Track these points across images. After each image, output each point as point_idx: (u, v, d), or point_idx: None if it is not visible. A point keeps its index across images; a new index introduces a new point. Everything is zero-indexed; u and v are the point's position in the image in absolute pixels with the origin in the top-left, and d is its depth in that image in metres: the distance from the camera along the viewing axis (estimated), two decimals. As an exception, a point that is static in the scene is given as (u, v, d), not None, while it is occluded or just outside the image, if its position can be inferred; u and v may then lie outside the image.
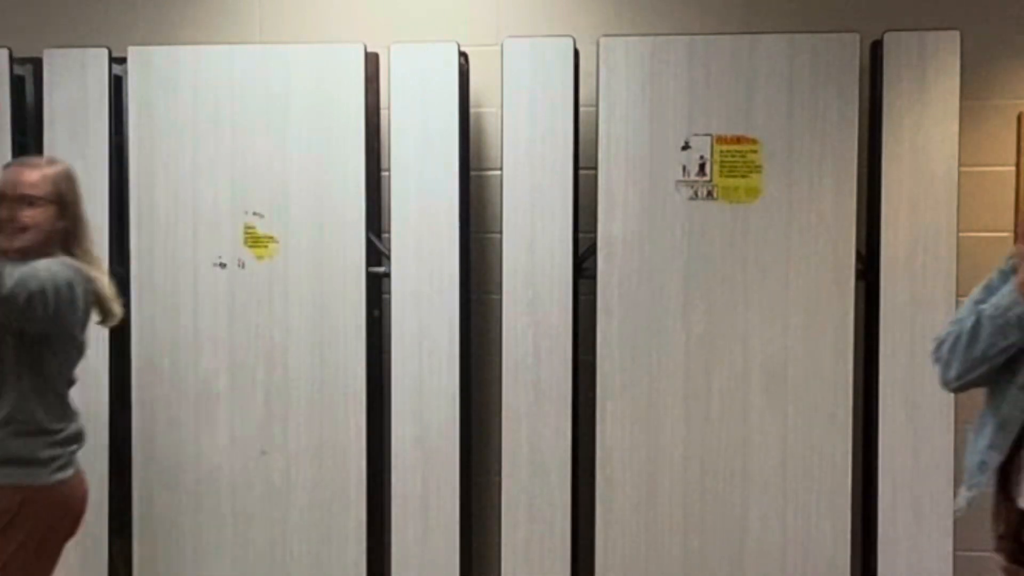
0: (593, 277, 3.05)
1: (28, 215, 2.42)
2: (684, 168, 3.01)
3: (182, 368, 3.15)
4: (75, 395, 2.52)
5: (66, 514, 2.46)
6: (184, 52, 3.16)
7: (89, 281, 2.45)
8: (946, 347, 2.06)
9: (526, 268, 3.06)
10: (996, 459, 2.04)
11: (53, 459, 2.40)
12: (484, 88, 3.30)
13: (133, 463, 3.17)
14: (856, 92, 2.96)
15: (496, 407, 3.13)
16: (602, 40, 3.03)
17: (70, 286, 2.36)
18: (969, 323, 2.01)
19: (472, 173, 3.29)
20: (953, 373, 2.05)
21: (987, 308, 1.99)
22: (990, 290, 2.06)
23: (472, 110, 3.27)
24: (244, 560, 3.16)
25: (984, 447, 2.06)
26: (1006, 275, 2.04)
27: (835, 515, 3.00)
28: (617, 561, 3.05)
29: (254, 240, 3.13)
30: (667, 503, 3.04)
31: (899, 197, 2.99)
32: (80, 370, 2.52)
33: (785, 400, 3.00)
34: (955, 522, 2.98)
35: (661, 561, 3.03)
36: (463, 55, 3.13)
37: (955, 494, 2.23)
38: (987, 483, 2.06)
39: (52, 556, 2.47)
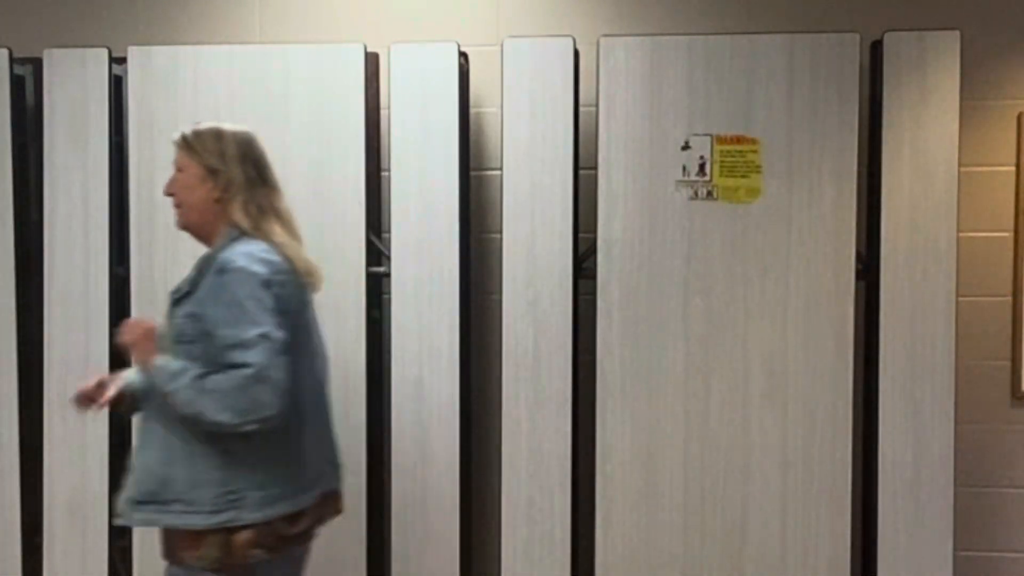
0: (593, 277, 3.05)
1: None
2: (684, 168, 3.01)
3: (182, 368, 3.14)
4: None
5: None
6: (184, 52, 3.16)
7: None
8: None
9: (526, 268, 3.06)
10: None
11: None
12: (484, 88, 3.30)
13: (133, 463, 3.17)
14: (856, 92, 2.96)
15: (496, 407, 3.13)
16: (602, 40, 3.03)
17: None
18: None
19: (472, 173, 3.29)
20: None
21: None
22: None
23: (472, 110, 3.27)
24: (244, 560, 3.15)
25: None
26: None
27: (835, 515, 3.00)
28: (617, 561, 3.05)
29: (254, 240, 3.13)
30: (667, 503, 3.04)
31: (899, 197, 2.99)
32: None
33: (785, 400, 3.00)
34: (955, 522, 2.99)
35: (661, 561, 3.03)
36: (463, 55, 3.13)
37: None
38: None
39: None
